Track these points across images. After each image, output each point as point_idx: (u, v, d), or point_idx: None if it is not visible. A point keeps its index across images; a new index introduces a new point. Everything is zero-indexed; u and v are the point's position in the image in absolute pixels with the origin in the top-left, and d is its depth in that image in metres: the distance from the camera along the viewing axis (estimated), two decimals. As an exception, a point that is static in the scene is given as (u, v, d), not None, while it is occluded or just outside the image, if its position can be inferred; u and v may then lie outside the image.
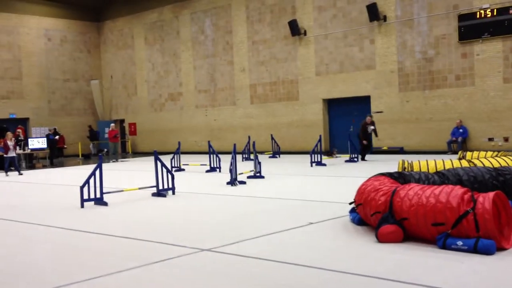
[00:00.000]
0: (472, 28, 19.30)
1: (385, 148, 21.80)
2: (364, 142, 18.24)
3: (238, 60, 26.39)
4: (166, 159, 14.64)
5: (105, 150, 29.78)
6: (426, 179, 7.60)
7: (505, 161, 9.34)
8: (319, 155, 17.14)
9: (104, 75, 33.46)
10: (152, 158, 11.60)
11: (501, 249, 5.26)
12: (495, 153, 11.04)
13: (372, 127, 18.56)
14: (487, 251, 5.11)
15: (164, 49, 29.76)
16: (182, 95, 29.11)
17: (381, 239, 5.79)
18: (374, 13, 21.41)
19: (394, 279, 4.52)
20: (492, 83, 19.05)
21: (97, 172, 9.80)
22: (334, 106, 23.99)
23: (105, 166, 15.51)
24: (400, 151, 21.26)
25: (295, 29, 23.81)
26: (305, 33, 23.85)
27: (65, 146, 28.54)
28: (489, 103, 19.13)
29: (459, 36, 19.62)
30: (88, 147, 31.37)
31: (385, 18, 21.49)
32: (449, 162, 9.47)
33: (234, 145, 13.00)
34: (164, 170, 10.85)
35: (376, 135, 19.18)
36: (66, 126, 31.09)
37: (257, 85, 25.80)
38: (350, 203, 7.21)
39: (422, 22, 20.62)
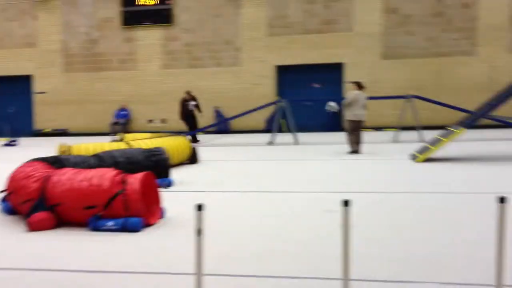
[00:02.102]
0: (134, 15, 20.14)
1: (48, 130, 21.07)
2: (182, 121, 16.06)
3: None
4: None
5: None
6: (83, 162, 7.68)
7: (159, 142, 10.15)
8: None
9: None
10: None
11: (149, 225, 5.72)
12: (151, 134, 11.87)
13: (194, 103, 16.26)
14: (135, 229, 5.48)
15: None
16: None
17: (31, 227, 5.60)
18: (35, -12, 20.29)
19: (44, 268, 4.44)
20: (152, 68, 20.34)
21: None
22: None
23: None
24: (65, 133, 20.87)
25: None
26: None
27: None
28: (149, 87, 20.40)
29: (122, 21, 20.24)
30: None
31: (48, -5, 20.64)
32: (108, 144, 9.77)
33: None
34: None
35: (200, 111, 16.55)
36: None
37: None
38: (1, 192, 6.76)
39: (86, 3, 20.51)
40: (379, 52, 18.65)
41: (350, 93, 12.05)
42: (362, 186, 7.95)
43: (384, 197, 7.09)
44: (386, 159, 10.80)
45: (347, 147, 12.34)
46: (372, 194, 7.32)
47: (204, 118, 19.79)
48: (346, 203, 3.12)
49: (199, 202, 3.45)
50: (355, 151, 11.74)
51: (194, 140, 15.89)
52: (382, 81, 18.57)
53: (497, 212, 2.74)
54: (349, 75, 18.83)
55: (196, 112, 16.21)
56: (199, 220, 3.41)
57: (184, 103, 16.13)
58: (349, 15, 18.73)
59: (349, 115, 11.87)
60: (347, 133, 11.91)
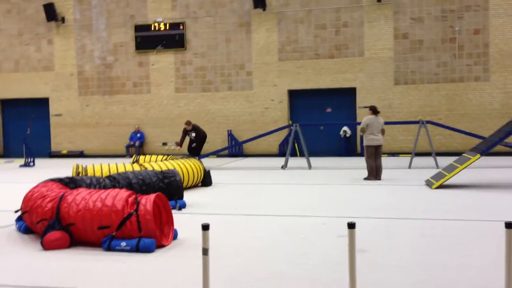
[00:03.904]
0: (147, 39, 20.47)
1: (64, 152, 21.31)
2: (178, 147, 15.52)
3: None
4: None
5: None
6: (98, 183, 7.78)
7: (172, 164, 10.22)
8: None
9: None
10: None
11: (162, 246, 5.75)
12: (165, 157, 11.96)
13: (194, 134, 15.49)
14: (148, 250, 5.52)
15: None
16: None
17: (46, 246, 5.67)
18: (51, 13, 20.74)
19: (57, 287, 4.50)
20: (165, 92, 20.56)
21: None
22: (9, 107, 22.29)
23: None
24: (80, 155, 21.10)
25: (-40, 19, 21.31)
26: (-27, 25, 21.57)
27: None
28: (163, 110, 20.60)
29: (136, 45, 20.57)
30: None
31: (63, 20, 21.04)
32: (122, 165, 9.87)
33: None
34: None
35: (195, 142, 15.46)
36: None
37: None
38: (16, 211, 6.85)
39: (100, 28, 20.90)
40: (391, 77, 18.72)
41: (364, 118, 12.04)
42: (375, 212, 7.94)
43: (397, 223, 7.07)
44: (401, 185, 10.75)
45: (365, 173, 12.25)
46: (385, 220, 7.31)
47: (218, 141, 19.87)
48: (351, 225, 3.15)
49: (207, 222, 3.49)
50: (371, 177, 11.62)
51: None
52: (394, 106, 18.60)
53: (505, 237, 2.75)
54: (362, 99, 18.91)
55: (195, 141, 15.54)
56: (205, 240, 3.44)
57: (186, 132, 15.67)
58: (360, 41, 18.88)
59: (364, 140, 11.87)
60: (365, 158, 11.85)
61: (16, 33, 21.53)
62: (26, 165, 17.20)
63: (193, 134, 15.71)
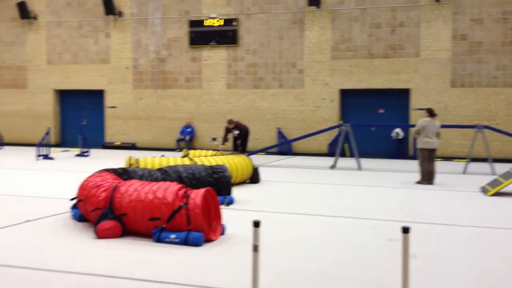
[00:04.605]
0: (201, 35, 20.68)
1: (117, 143, 21.85)
2: (222, 146, 15.79)
3: (-46, 38, 23.26)
4: None
5: None
6: (149, 175, 7.91)
7: (221, 160, 10.29)
8: (47, 148, 16.33)
9: None
10: None
11: (209, 240, 5.80)
12: (214, 152, 12.05)
13: (237, 132, 16.04)
14: (196, 243, 5.57)
15: None
16: None
17: (99, 235, 5.82)
18: (109, 7, 21.25)
19: (110, 275, 4.60)
20: (217, 88, 20.72)
21: None
22: (66, 97, 23.02)
23: None
24: (132, 147, 21.57)
25: (24, 12, 22.14)
26: (35, 18, 22.37)
27: None
28: (214, 105, 20.77)
29: (189, 40, 20.83)
30: None
31: (120, 14, 21.53)
32: (173, 159, 10.01)
33: None
34: None
35: (239, 139, 16.14)
36: None
37: (-23, 68, 23.15)
38: (72, 199, 7.06)
39: (156, 23, 21.28)
40: (447, 79, 18.22)
41: (420, 120, 11.74)
42: (427, 217, 7.74)
43: (450, 230, 6.87)
44: (455, 191, 10.44)
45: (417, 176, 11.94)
46: (437, 226, 7.12)
47: (267, 139, 19.89)
48: (405, 230, 3.07)
49: (258, 219, 3.49)
50: (423, 181, 11.33)
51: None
52: (450, 109, 18.10)
53: None
54: (416, 101, 18.49)
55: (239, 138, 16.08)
56: (256, 236, 3.44)
57: (228, 130, 16.10)
58: (416, 41, 18.46)
59: (419, 143, 11.58)
60: (418, 161, 11.58)
61: (76, 25, 22.19)
62: (82, 154, 17.73)
63: (236, 132, 16.00)
